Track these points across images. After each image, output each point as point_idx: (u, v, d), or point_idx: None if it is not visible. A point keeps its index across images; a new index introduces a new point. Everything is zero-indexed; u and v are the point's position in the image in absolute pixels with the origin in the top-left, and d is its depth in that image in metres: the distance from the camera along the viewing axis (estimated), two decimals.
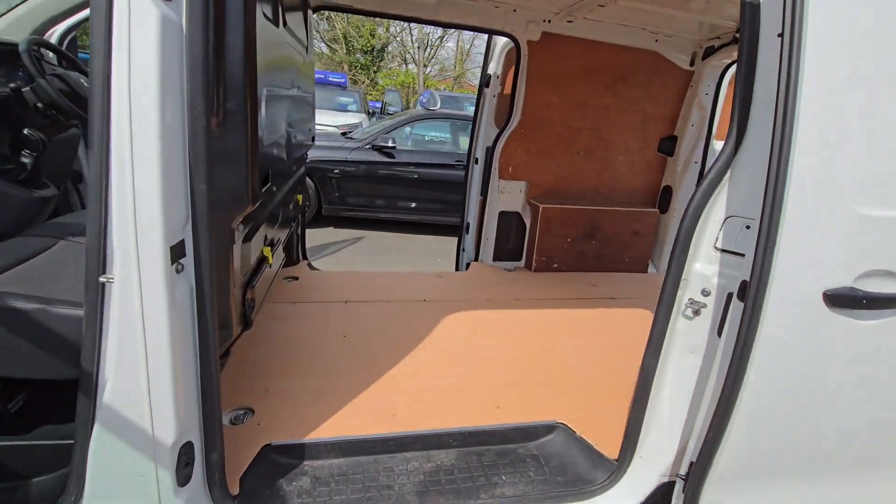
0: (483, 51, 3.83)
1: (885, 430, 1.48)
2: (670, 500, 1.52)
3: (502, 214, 3.69)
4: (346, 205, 6.85)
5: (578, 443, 1.80)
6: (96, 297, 1.03)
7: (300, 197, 2.87)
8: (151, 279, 1.06)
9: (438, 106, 7.40)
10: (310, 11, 2.74)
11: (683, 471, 1.46)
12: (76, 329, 1.09)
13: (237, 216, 1.25)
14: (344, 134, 7.66)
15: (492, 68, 3.69)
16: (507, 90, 3.76)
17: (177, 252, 1.10)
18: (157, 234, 1.04)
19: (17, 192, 1.59)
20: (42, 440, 1.29)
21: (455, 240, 4.20)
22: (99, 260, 1.01)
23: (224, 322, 1.35)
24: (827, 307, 1.25)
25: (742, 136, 1.27)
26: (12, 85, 1.53)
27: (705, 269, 1.44)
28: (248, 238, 1.49)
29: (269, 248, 1.81)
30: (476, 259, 3.84)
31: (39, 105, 1.53)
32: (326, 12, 21.65)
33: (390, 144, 6.63)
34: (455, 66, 26.26)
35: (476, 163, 3.90)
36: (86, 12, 2.07)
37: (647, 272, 3.91)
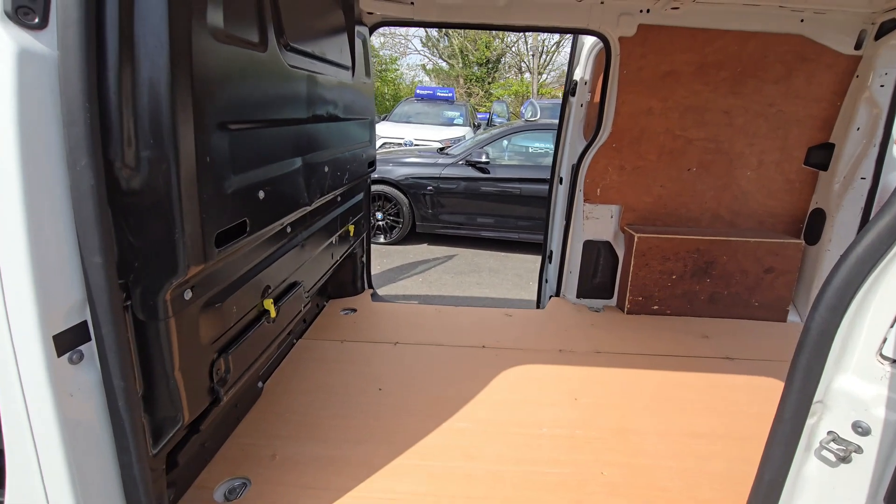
0: None
1: None
2: None
3: (588, 244, 3.13)
4: (439, 222, 6.70)
5: None
6: None
7: (352, 227, 2.69)
8: (32, 374, 0.87)
9: (538, 116, 6.89)
10: (357, 31, 2.55)
11: None
12: None
13: (167, 285, 1.04)
14: (440, 150, 7.55)
15: (578, 73, 3.17)
16: (598, 98, 3.21)
17: (69, 339, 0.90)
18: (32, 320, 0.84)
19: None
20: None
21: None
22: None
23: (162, 412, 1.14)
24: None
25: None
26: None
27: (861, 388, 0.86)
28: (215, 301, 1.29)
29: (271, 302, 1.61)
30: (558, 294, 3.32)
31: None
32: (444, 29, 22.28)
33: (484, 160, 6.32)
34: None
35: (560, 182, 3.40)
36: None
37: (785, 321, 3.01)
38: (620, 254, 3.11)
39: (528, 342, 2.66)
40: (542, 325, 2.90)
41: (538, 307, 3.77)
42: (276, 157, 1.53)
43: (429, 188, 6.54)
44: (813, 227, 2.96)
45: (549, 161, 6.74)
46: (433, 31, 24.55)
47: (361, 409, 2.04)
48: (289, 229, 1.78)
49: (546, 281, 3.68)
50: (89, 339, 0.95)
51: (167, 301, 1.06)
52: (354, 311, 3.00)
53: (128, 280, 1.01)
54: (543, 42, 23.49)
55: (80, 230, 0.87)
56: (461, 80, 25.01)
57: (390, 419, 1.97)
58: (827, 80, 2.72)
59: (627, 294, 3.04)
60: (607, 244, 3.12)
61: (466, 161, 6.50)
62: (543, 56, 23.91)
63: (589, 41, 3.07)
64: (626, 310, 3.06)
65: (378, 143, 10.23)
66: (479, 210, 6.57)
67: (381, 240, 6.79)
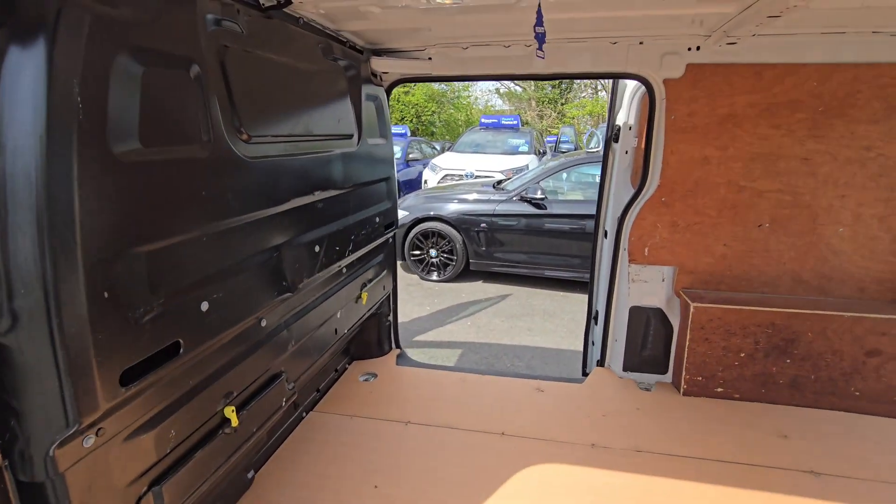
0: None
1: None
2: None
3: (635, 310, 2.72)
4: (494, 260, 6.44)
5: None
6: None
7: (365, 295, 2.54)
8: None
9: (601, 147, 6.42)
10: (368, 94, 2.44)
11: None
12: None
13: (52, 442, 0.92)
14: (497, 184, 7.32)
15: (621, 117, 2.82)
16: (644, 143, 2.82)
17: None
18: None
19: None
20: None
21: None
22: None
23: None
24: None
25: None
26: None
27: None
28: (143, 430, 1.17)
29: (233, 409, 1.48)
30: (602, 363, 2.92)
31: None
32: None
33: (539, 196, 5.99)
34: None
35: (605, 236, 3.02)
36: None
37: (895, 416, 2.36)
38: (675, 323, 2.66)
39: (555, 430, 2.32)
40: (576, 407, 2.53)
41: (584, 371, 3.36)
42: (230, 258, 1.41)
43: (482, 225, 6.33)
44: None
45: None
46: None
47: None
48: (263, 322, 1.66)
49: (593, 343, 3.28)
50: None
51: (54, 457, 0.95)
52: (375, 376, 2.85)
53: (3, 440, 0.91)
54: None
55: None
56: (533, 103, 24.70)
57: None
58: None
59: (683, 372, 2.58)
60: (659, 311, 2.69)
61: (521, 197, 6.21)
62: None
63: (632, 81, 2.72)
64: (682, 390, 2.59)
65: (440, 176, 10.26)
66: (534, 248, 6.21)
67: (435, 277, 6.66)
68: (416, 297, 6.16)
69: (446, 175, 10.09)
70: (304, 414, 2.45)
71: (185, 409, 1.31)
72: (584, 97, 24.25)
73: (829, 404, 2.42)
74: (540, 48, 1.56)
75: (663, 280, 2.67)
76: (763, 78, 2.24)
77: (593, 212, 5.88)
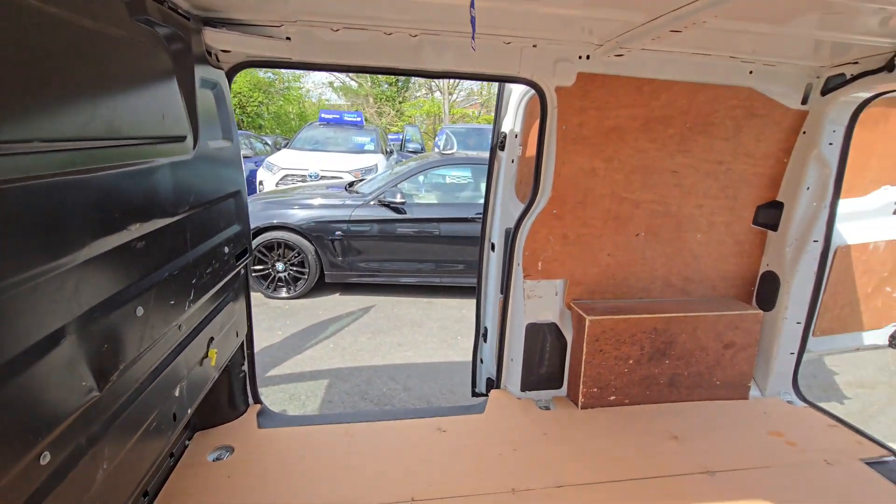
0: None
1: None
2: None
3: (532, 328, 2.60)
4: (352, 270, 5.92)
5: None
6: None
7: (214, 354, 1.88)
8: None
9: (455, 149, 6.43)
10: (203, 80, 1.80)
11: None
12: None
13: None
14: (349, 186, 6.80)
15: (507, 125, 2.66)
16: (531, 151, 2.72)
17: None
18: None
19: None
20: None
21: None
22: None
23: None
24: None
25: None
26: None
27: None
28: None
29: None
30: (498, 384, 2.75)
31: None
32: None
33: (398, 200, 5.68)
34: (481, 91, 25.54)
35: (493, 250, 2.85)
36: None
37: (747, 398, 2.70)
38: (568, 336, 2.62)
39: (471, 481, 2.03)
40: (484, 443, 2.29)
41: (473, 391, 3.18)
42: None
43: (337, 233, 5.76)
44: (766, 291, 2.69)
45: (469, 196, 6.28)
46: None
47: None
48: (45, 457, 0.98)
49: (482, 361, 3.11)
50: None
51: None
52: (230, 451, 2.18)
53: None
54: None
55: None
56: (371, 100, 24.32)
57: None
58: (775, 136, 2.46)
59: (581, 386, 2.54)
60: (553, 326, 2.62)
61: (379, 201, 5.82)
62: None
63: (518, 87, 2.58)
64: (580, 404, 2.56)
65: (279, 176, 9.18)
66: (395, 254, 5.90)
67: (284, 294, 5.85)
68: (264, 320, 5.30)
69: (286, 175, 9.08)
70: None
71: None
72: (419, 96, 24.76)
73: (699, 396, 2.65)
74: (473, 36, 1.22)
75: (556, 294, 2.60)
76: (643, 92, 2.28)
77: (451, 215, 5.90)
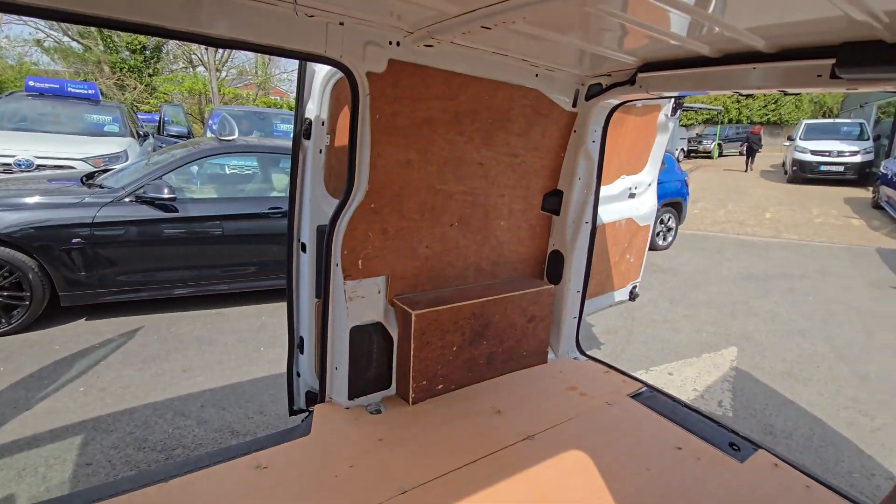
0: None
1: None
2: None
3: (357, 331, 2.42)
4: (105, 286, 4.64)
5: None
6: None
7: None
8: None
9: (236, 134, 5.59)
10: None
11: None
12: None
13: None
14: (88, 179, 5.29)
15: (312, 110, 2.37)
16: (340, 140, 2.50)
17: None
18: None
19: None
20: None
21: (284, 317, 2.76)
22: None
23: None
24: None
25: None
26: None
27: None
28: None
29: None
30: (323, 398, 2.49)
31: None
32: None
33: (166, 195, 4.65)
34: (257, 71, 23.21)
35: (304, 250, 2.54)
36: None
37: (546, 362, 3.10)
38: (394, 333, 2.53)
39: None
40: (316, 469, 2.02)
41: (291, 408, 2.82)
42: None
43: (75, 240, 4.41)
44: (554, 267, 3.12)
45: (257, 188, 5.59)
46: None
47: None
48: None
49: (298, 374, 2.78)
50: None
51: None
52: None
53: None
54: None
55: None
56: (105, 68, 19.51)
57: None
58: (556, 133, 2.82)
59: (411, 381, 2.50)
60: (379, 325, 2.49)
61: (137, 197, 4.67)
62: (221, 51, 21.02)
63: (322, 69, 2.31)
64: (411, 400, 2.52)
65: None
66: (167, 262, 4.86)
67: None
68: None
69: None
70: None
71: None
72: (177, 70, 20.95)
73: (512, 367, 2.91)
74: None
75: (379, 292, 2.47)
76: (451, 86, 2.30)
77: (237, 211, 5.14)
